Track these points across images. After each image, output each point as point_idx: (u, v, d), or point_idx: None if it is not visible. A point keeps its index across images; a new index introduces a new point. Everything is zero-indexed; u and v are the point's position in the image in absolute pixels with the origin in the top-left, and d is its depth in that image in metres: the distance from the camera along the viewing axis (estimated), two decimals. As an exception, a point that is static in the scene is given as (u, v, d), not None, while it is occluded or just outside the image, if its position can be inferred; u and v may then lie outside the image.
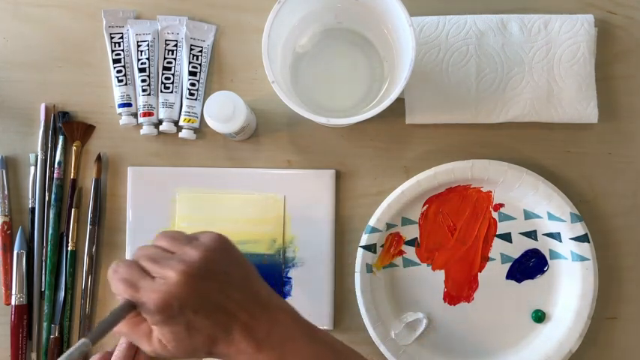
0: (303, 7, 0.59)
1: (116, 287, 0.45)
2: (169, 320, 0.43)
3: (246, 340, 0.45)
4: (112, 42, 0.65)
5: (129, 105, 0.65)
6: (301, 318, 0.48)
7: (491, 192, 0.63)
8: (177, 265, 0.44)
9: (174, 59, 0.65)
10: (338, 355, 0.48)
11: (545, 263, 0.63)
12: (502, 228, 0.63)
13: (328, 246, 0.63)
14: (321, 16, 0.61)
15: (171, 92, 0.65)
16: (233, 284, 0.46)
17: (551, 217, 0.62)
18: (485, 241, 0.63)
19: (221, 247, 0.47)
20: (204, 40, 0.65)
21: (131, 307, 0.44)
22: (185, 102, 0.64)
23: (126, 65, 0.65)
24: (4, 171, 0.65)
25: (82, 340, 0.41)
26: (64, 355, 0.40)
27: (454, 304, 0.63)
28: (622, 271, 0.64)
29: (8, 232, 0.64)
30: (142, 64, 0.64)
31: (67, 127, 0.65)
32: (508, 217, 0.63)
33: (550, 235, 0.63)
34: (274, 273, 0.63)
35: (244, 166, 0.65)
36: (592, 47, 0.63)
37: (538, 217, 0.63)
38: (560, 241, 0.62)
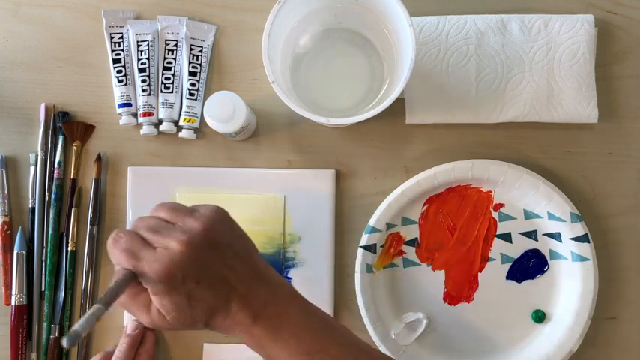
0: (303, 7, 0.59)
1: (117, 257, 0.45)
2: (171, 290, 0.43)
3: (243, 312, 0.45)
4: (112, 42, 0.65)
5: (129, 105, 0.65)
6: (296, 292, 0.49)
7: (491, 192, 0.63)
8: (180, 236, 0.44)
9: (174, 59, 0.65)
10: (331, 328, 0.48)
11: (545, 263, 0.63)
12: (502, 228, 0.63)
13: (328, 246, 0.63)
14: (321, 16, 0.61)
15: (171, 92, 0.65)
16: (234, 255, 0.46)
17: (551, 217, 0.62)
18: (485, 241, 0.63)
19: (222, 219, 0.48)
20: (204, 40, 0.65)
21: (133, 277, 0.44)
22: (185, 102, 0.64)
23: (126, 65, 0.65)
24: (4, 171, 0.65)
25: (96, 305, 0.41)
26: (82, 319, 0.40)
27: (454, 304, 0.63)
28: (622, 271, 0.64)
29: (8, 232, 0.64)
30: (142, 64, 0.64)
31: (67, 127, 0.65)
32: (508, 217, 0.63)
33: (550, 235, 0.63)
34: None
35: (244, 166, 0.65)
36: (592, 47, 0.63)
37: (538, 217, 0.63)
38: (560, 241, 0.62)
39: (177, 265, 0.43)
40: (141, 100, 0.64)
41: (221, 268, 0.45)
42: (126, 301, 0.46)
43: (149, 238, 0.45)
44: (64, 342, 0.38)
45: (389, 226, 0.63)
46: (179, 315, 0.44)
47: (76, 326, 0.39)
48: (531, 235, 0.63)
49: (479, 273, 0.63)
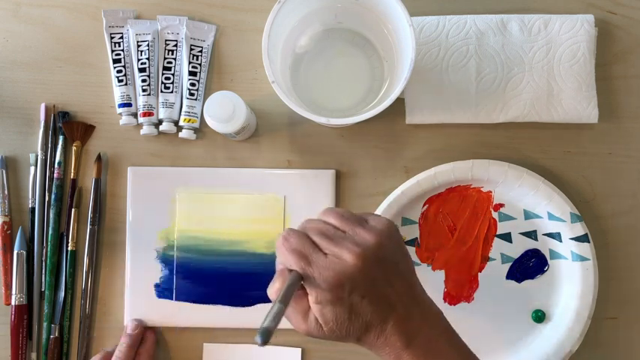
0: (303, 7, 0.59)
1: (286, 257, 0.44)
2: (336, 301, 0.43)
3: (398, 334, 0.44)
4: (112, 42, 0.65)
5: (129, 105, 0.65)
6: (447, 322, 0.47)
7: (491, 192, 0.63)
8: (353, 247, 0.43)
9: (174, 59, 0.65)
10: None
11: (546, 263, 0.63)
12: (502, 228, 0.63)
13: (328, 246, 0.63)
14: (321, 16, 0.61)
15: (172, 92, 0.65)
16: (398, 274, 0.45)
17: (551, 217, 0.62)
18: (485, 241, 0.63)
19: (392, 234, 0.46)
20: (204, 40, 0.65)
21: (301, 280, 0.43)
22: (185, 102, 0.64)
23: (126, 65, 0.65)
24: (4, 171, 0.65)
25: (278, 304, 0.40)
26: (269, 317, 0.39)
27: (454, 304, 0.63)
28: (622, 271, 0.64)
29: (8, 232, 0.64)
30: (142, 64, 0.64)
31: (67, 127, 0.65)
32: (508, 217, 0.63)
33: (550, 235, 0.63)
34: (274, 273, 0.63)
35: (244, 166, 0.65)
36: (592, 47, 0.63)
37: (538, 217, 0.63)
38: (561, 241, 0.62)
39: (347, 277, 0.42)
40: (141, 100, 0.64)
41: (385, 285, 0.44)
42: None
43: (320, 243, 0.44)
44: (259, 339, 0.38)
45: (389, 226, 0.63)
46: (336, 327, 0.43)
47: (266, 323, 0.39)
48: (531, 235, 0.63)
49: (479, 273, 0.63)
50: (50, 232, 0.64)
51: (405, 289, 0.45)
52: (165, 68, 0.65)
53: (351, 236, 0.45)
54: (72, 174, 0.65)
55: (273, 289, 0.44)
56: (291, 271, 0.44)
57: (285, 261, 0.44)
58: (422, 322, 0.45)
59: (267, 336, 0.38)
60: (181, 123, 0.64)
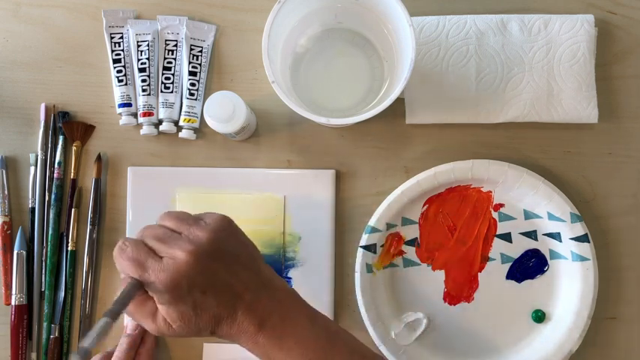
0: (303, 7, 0.59)
1: (123, 267, 0.45)
2: (177, 300, 0.44)
3: (249, 320, 0.45)
4: (112, 42, 0.65)
5: (129, 105, 0.65)
6: (301, 299, 0.49)
7: (491, 192, 0.63)
8: (186, 246, 0.44)
9: (174, 59, 0.65)
10: (335, 336, 0.48)
11: (546, 263, 0.63)
12: (502, 228, 0.63)
13: (328, 246, 0.63)
14: (321, 16, 0.61)
15: (172, 92, 0.65)
16: (239, 264, 0.47)
17: (551, 217, 0.62)
18: (485, 241, 0.63)
19: (227, 228, 0.48)
20: (204, 40, 0.65)
21: (139, 287, 0.44)
22: (185, 102, 0.64)
23: (126, 65, 0.65)
24: (4, 171, 0.65)
25: (104, 319, 0.41)
26: (91, 334, 0.40)
27: (454, 304, 0.63)
28: (622, 271, 0.64)
29: (8, 232, 0.64)
30: (142, 64, 0.64)
31: (67, 127, 0.65)
32: (508, 217, 0.63)
33: (550, 235, 0.63)
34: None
35: (244, 166, 0.65)
36: (592, 47, 0.63)
37: (538, 217, 0.63)
38: (560, 241, 0.62)
39: (183, 275, 0.44)
40: (141, 100, 0.64)
41: (227, 277, 0.45)
42: (132, 309, 0.46)
43: (155, 247, 0.46)
44: (74, 359, 0.39)
45: (389, 226, 0.63)
46: (185, 324, 0.45)
47: (84, 342, 0.39)
48: (531, 235, 0.63)
49: (479, 273, 0.63)
50: (50, 232, 0.64)
51: (250, 277, 0.47)
52: (165, 68, 0.65)
53: (186, 236, 0.46)
54: (72, 174, 0.65)
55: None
56: (131, 279, 0.45)
57: (124, 270, 0.45)
58: (272, 303, 0.46)
59: (84, 356, 0.39)
60: (181, 123, 0.64)
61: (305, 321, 0.48)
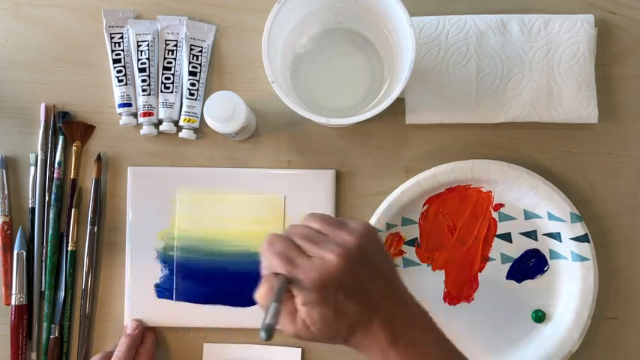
0: (303, 7, 0.59)
1: (271, 261, 0.45)
2: (322, 301, 0.44)
3: (384, 332, 0.45)
4: (112, 42, 0.65)
5: (129, 105, 0.65)
6: (433, 321, 0.48)
7: (491, 192, 0.63)
8: (336, 248, 0.44)
9: (174, 59, 0.65)
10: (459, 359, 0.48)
11: (546, 263, 0.63)
12: (502, 228, 0.63)
13: (328, 246, 0.63)
14: (321, 16, 0.61)
15: (172, 92, 0.65)
16: (380, 274, 0.46)
17: (551, 217, 0.62)
18: (485, 241, 0.63)
19: (372, 235, 0.48)
20: (204, 40, 0.65)
21: (288, 283, 0.44)
22: (185, 102, 0.64)
23: (126, 65, 0.65)
24: (4, 171, 0.65)
25: (274, 304, 0.41)
26: (270, 314, 0.41)
27: (454, 304, 0.63)
28: (622, 271, 0.64)
29: (8, 232, 0.64)
30: (142, 64, 0.64)
31: (67, 127, 0.65)
32: (508, 217, 0.63)
33: (550, 235, 0.63)
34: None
35: (244, 166, 0.65)
36: (592, 47, 0.63)
37: (538, 217, 0.63)
38: (561, 241, 0.62)
39: (332, 277, 0.43)
40: (141, 100, 0.64)
41: (369, 284, 0.45)
42: None
43: (304, 246, 0.45)
44: (263, 335, 0.39)
45: (389, 226, 0.63)
46: (324, 327, 0.44)
47: (267, 319, 0.40)
48: (531, 235, 0.63)
49: (479, 273, 0.63)
50: (50, 232, 0.64)
51: (388, 288, 0.46)
52: (165, 68, 0.65)
53: (333, 238, 0.46)
54: (72, 174, 0.65)
55: (260, 294, 0.45)
56: (277, 275, 0.45)
57: (271, 265, 0.45)
58: (407, 321, 0.46)
59: (270, 331, 0.39)
60: (181, 123, 0.64)
61: (435, 342, 0.47)
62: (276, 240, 0.46)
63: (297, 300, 0.44)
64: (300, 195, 0.64)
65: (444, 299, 0.63)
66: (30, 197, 0.65)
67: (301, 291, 0.44)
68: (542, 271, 0.63)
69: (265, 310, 0.42)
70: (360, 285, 0.45)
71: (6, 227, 0.64)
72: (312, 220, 0.48)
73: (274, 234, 0.47)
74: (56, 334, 0.63)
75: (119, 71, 0.65)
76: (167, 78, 0.65)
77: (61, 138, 0.65)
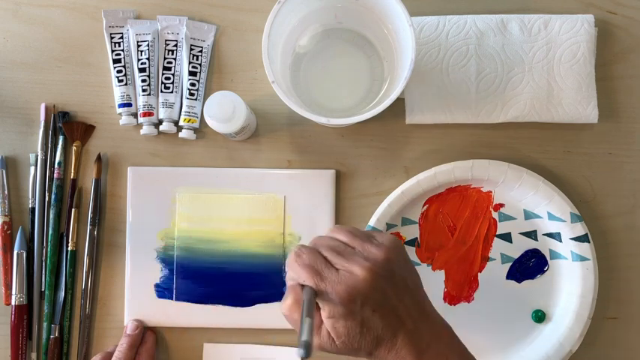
0: (303, 7, 0.59)
1: (299, 273, 0.45)
2: (348, 315, 0.43)
3: (408, 348, 0.45)
4: (112, 42, 0.65)
5: (129, 105, 0.65)
6: (456, 336, 0.48)
7: (491, 192, 0.63)
8: (363, 262, 0.44)
9: (175, 59, 0.65)
10: None
11: (546, 263, 0.63)
12: (502, 228, 0.63)
13: (328, 246, 0.63)
14: (321, 16, 0.61)
15: (172, 92, 0.65)
16: (406, 289, 0.46)
17: (551, 217, 0.62)
18: (485, 241, 0.63)
19: (399, 251, 0.48)
20: (204, 40, 0.65)
21: (315, 295, 0.44)
22: (185, 102, 0.64)
23: (126, 65, 0.65)
24: (4, 171, 0.65)
25: (307, 319, 0.41)
26: (305, 330, 0.40)
27: (454, 304, 0.63)
28: (622, 271, 0.64)
29: (8, 232, 0.64)
30: (142, 64, 0.64)
31: (67, 127, 0.65)
32: (508, 217, 0.63)
33: (550, 235, 0.63)
34: (274, 273, 0.63)
35: (244, 166, 0.65)
36: (592, 47, 0.63)
37: (538, 217, 0.63)
38: (561, 241, 0.62)
39: (359, 291, 0.43)
40: (141, 100, 0.64)
41: (395, 300, 0.45)
42: (298, 319, 0.45)
43: (331, 258, 0.45)
44: (302, 353, 0.39)
45: (389, 226, 0.63)
46: (348, 341, 0.44)
47: (304, 336, 0.40)
48: (531, 235, 0.63)
49: (479, 273, 0.63)
50: (50, 232, 0.64)
51: (414, 304, 0.46)
52: (165, 68, 0.65)
53: (361, 252, 0.46)
54: (72, 174, 0.65)
55: (285, 305, 0.45)
56: (303, 286, 0.45)
57: (298, 276, 0.45)
58: (431, 337, 0.46)
59: (308, 348, 0.39)
60: (181, 123, 0.64)
61: (459, 358, 0.47)
62: (304, 251, 0.46)
63: (323, 313, 0.44)
64: (300, 195, 0.64)
65: (444, 299, 0.63)
66: (30, 197, 0.65)
67: (328, 304, 0.44)
68: (542, 271, 0.63)
69: (299, 325, 0.42)
70: (387, 300, 0.45)
71: (6, 227, 0.64)
72: (339, 232, 0.48)
73: (302, 245, 0.47)
74: (56, 334, 0.63)
75: (119, 71, 0.65)
76: (167, 78, 0.65)
77: (61, 138, 0.65)
